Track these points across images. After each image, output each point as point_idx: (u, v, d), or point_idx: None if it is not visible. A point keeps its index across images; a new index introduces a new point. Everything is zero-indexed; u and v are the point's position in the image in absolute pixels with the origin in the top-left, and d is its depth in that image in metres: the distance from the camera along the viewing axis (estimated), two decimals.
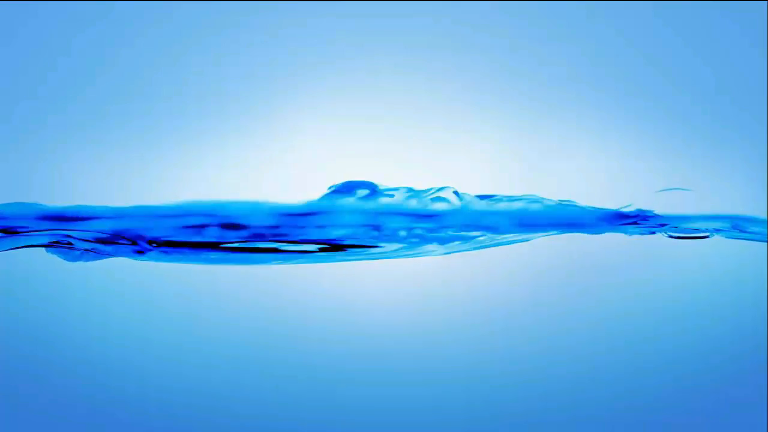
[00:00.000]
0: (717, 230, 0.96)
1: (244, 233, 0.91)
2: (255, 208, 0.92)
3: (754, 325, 0.99)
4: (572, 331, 0.99)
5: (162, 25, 0.96)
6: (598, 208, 0.95)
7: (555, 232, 0.96)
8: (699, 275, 1.00)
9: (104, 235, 0.91)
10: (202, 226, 0.92)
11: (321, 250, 0.92)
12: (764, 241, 0.97)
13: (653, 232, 0.96)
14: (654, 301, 1.00)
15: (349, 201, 0.92)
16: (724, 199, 0.98)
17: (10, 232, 0.91)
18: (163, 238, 0.92)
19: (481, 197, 0.95)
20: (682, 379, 0.99)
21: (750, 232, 0.95)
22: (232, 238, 0.92)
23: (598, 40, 0.99)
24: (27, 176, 0.95)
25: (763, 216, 0.97)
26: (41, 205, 0.91)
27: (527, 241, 0.96)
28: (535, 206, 0.95)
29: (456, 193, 0.94)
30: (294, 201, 0.92)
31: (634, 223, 0.95)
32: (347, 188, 0.93)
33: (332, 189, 0.93)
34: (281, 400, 0.97)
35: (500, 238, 0.95)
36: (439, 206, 0.93)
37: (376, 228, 0.92)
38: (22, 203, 0.91)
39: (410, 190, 0.94)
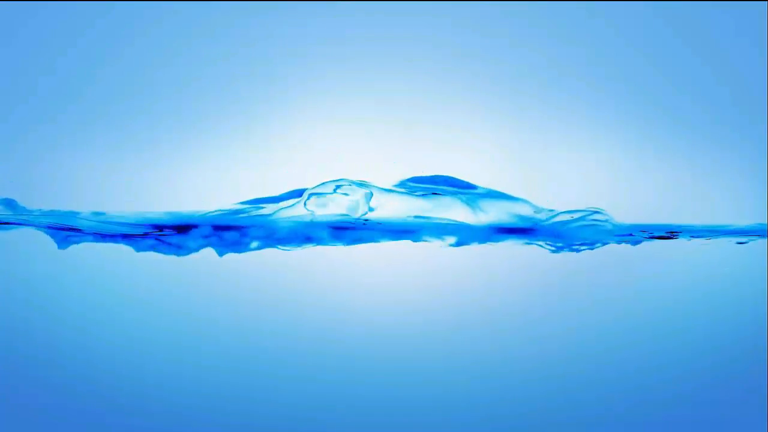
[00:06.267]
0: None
1: None
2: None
3: (754, 325, 0.99)
4: (570, 331, 0.99)
5: (162, 25, 0.96)
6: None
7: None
8: (698, 274, 1.00)
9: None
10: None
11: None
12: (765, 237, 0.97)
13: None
14: (653, 300, 1.00)
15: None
16: (725, 199, 0.98)
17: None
18: None
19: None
20: (681, 380, 0.99)
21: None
22: None
23: (598, 40, 0.99)
24: (27, 177, 0.95)
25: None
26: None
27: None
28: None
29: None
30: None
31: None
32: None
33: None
34: (279, 400, 0.97)
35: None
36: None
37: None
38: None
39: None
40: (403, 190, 0.94)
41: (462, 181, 0.95)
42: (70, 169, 0.95)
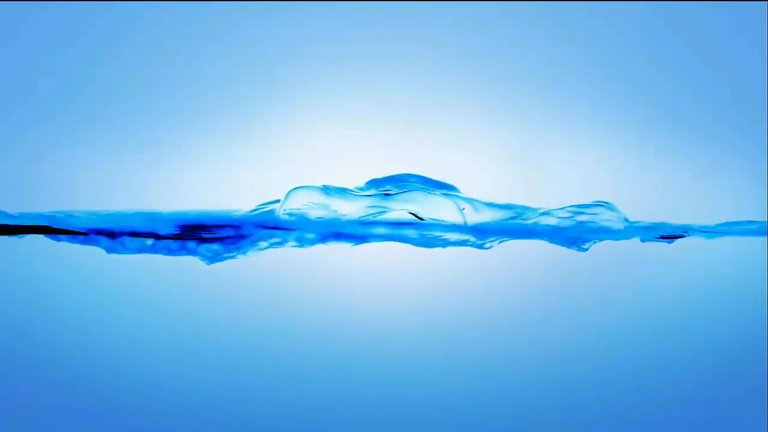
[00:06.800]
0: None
1: None
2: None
3: (754, 325, 0.99)
4: (570, 331, 0.99)
5: (162, 25, 0.96)
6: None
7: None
8: (698, 274, 1.00)
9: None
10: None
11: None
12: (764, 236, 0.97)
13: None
14: (653, 300, 1.00)
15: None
16: (725, 199, 0.98)
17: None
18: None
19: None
20: (681, 380, 0.99)
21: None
22: None
23: (598, 40, 0.99)
24: (27, 177, 0.95)
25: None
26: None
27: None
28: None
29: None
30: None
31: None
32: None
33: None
34: (279, 400, 0.97)
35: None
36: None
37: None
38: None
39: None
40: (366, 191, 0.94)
41: (433, 181, 0.95)
42: (70, 169, 0.95)
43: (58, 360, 0.97)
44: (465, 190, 0.95)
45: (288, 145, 0.96)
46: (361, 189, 0.94)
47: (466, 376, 0.98)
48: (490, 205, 0.96)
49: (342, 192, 0.93)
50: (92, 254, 0.94)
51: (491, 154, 0.97)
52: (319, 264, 0.96)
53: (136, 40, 0.96)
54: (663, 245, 0.97)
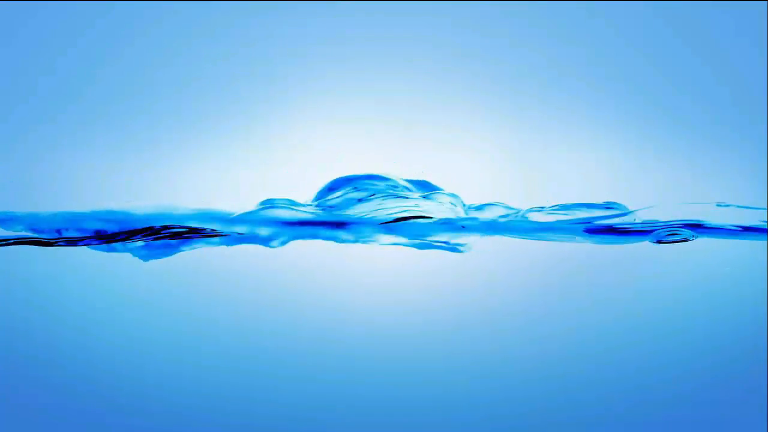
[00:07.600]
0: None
1: None
2: None
3: (754, 325, 0.99)
4: (570, 331, 0.99)
5: (162, 25, 0.96)
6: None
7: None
8: (698, 274, 1.00)
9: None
10: None
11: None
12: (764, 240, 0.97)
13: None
14: (653, 300, 1.00)
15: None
16: (724, 199, 0.98)
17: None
18: None
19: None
20: (681, 380, 0.99)
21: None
22: None
23: (598, 40, 0.99)
24: (27, 177, 0.95)
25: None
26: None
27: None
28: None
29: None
30: None
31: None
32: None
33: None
34: (279, 400, 0.97)
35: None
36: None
37: None
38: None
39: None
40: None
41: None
42: (70, 169, 0.95)
43: (58, 360, 0.97)
44: (465, 191, 0.95)
45: (288, 145, 0.96)
46: (321, 194, 0.94)
47: (466, 376, 0.98)
48: (490, 204, 0.96)
49: (295, 205, 0.93)
50: (92, 254, 0.94)
51: (491, 154, 0.97)
52: (319, 264, 0.96)
53: (136, 40, 0.96)
54: (663, 246, 0.97)
